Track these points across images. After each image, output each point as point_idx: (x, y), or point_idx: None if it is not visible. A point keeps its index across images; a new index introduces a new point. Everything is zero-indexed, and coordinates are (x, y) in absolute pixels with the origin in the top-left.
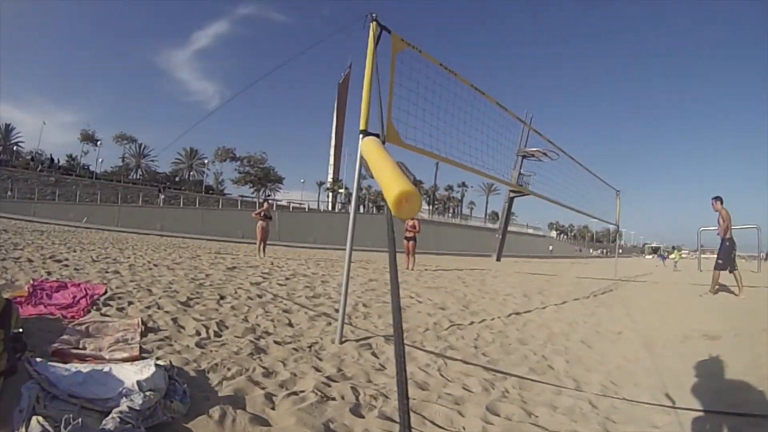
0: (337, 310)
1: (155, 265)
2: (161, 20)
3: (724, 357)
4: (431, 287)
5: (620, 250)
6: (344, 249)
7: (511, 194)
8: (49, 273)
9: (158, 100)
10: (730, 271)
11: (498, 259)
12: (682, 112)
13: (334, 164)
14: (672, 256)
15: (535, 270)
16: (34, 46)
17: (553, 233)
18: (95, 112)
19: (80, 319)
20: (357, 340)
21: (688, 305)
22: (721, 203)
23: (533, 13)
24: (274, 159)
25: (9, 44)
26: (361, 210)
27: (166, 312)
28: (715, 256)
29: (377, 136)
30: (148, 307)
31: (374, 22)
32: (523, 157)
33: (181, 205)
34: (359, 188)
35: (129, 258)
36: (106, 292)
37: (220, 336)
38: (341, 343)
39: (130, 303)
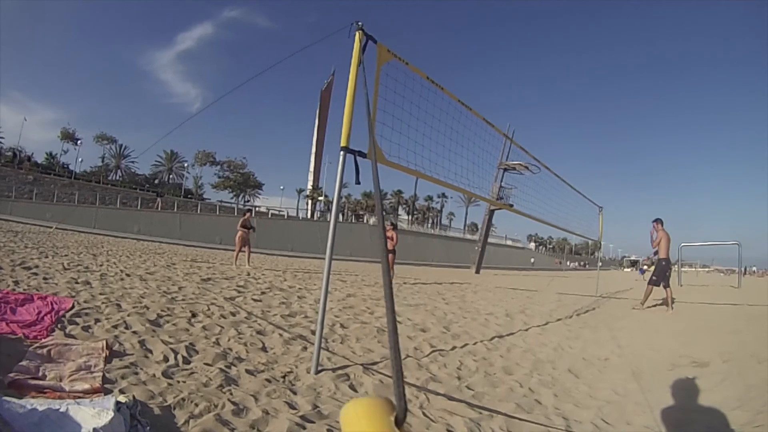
0: (313, 332)
1: (127, 275)
2: (146, 20)
3: (716, 388)
4: (411, 305)
5: (600, 264)
6: (322, 258)
7: (492, 207)
8: (16, 282)
9: (141, 101)
10: (664, 287)
11: (477, 272)
12: (664, 118)
13: (314, 172)
14: (650, 270)
15: (515, 284)
16: (18, 41)
17: (532, 245)
18: (77, 111)
19: (43, 340)
20: (334, 369)
21: (673, 326)
22: (662, 225)
23: (521, 23)
24: (255, 165)
25: None
26: (340, 219)
27: (134, 332)
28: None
29: (361, 153)
30: (116, 326)
31: (360, 31)
32: (505, 170)
33: (159, 208)
34: (339, 206)
35: (102, 266)
36: (73, 306)
37: (189, 362)
38: (317, 373)
39: (97, 320)
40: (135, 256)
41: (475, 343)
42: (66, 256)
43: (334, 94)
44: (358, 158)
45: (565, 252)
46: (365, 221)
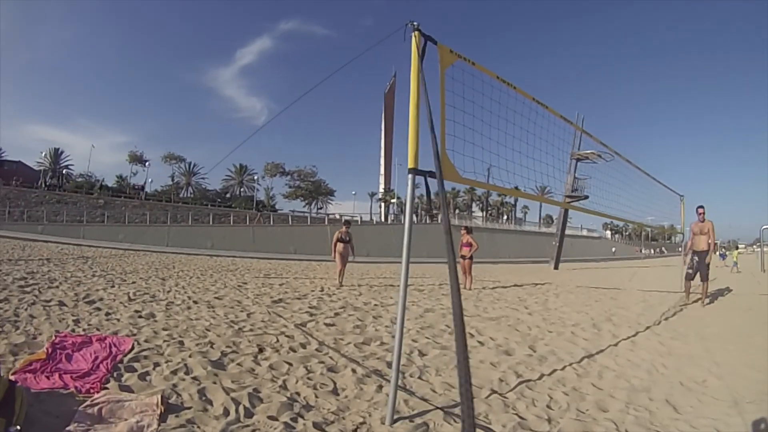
0: (389, 365)
1: (195, 302)
2: (206, 40)
3: None
4: (492, 318)
5: (680, 249)
6: (398, 261)
7: (567, 199)
8: (77, 321)
9: (207, 117)
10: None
11: (556, 267)
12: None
13: (385, 174)
14: (732, 254)
15: (596, 281)
16: (83, 68)
17: (608, 233)
18: (145, 132)
19: (95, 396)
20: (411, 417)
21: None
22: (700, 213)
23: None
24: (324, 171)
25: (57, 68)
26: (414, 220)
27: (194, 379)
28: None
29: (431, 174)
30: (175, 372)
31: (417, 32)
32: (578, 160)
33: (231, 222)
34: (411, 231)
35: (169, 292)
36: (132, 348)
37: (252, 415)
38: (393, 423)
39: (156, 365)
40: (206, 276)
41: (563, 368)
42: (134, 283)
43: (397, 95)
44: (429, 179)
45: (642, 239)
46: (440, 220)
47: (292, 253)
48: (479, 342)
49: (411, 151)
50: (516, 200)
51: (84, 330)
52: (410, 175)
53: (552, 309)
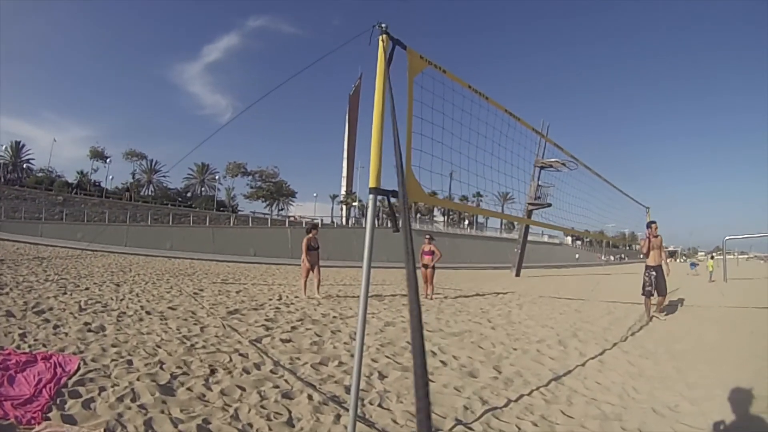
0: (347, 389)
1: (147, 313)
2: (172, 34)
3: None
4: (455, 333)
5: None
6: (359, 267)
7: (530, 207)
8: (23, 336)
9: (171, 114)
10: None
11: (517, 275)
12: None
13: (347, 177)
14: (707, 264)
15: (559, 290)
16: (46, 59)
17: (569, 239)
18: (108, 127)
19: (36, 429)
20: None
21: (736, 345)
22: (650, 228)
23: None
24: (286, 172)
25: (20, 58)
26: (375, 224)
27: (141, 407)
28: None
29: (395, 193)
30: (121, 399)
31: (384, 35)
32: (542, 167)
33: (191, 223)
34: (371, 254)
35: (122, 300)
36: (78, 368)
37: None
38: None
39: (102, 389)
40: (162, 281)
41: (530, 392)
42: (87, 289)
43: (361, 99)
44: (393, 199)
45: (603, 246)
46: (404, 241)
47: (252, 256)
48: (442, 362)
49: (373, 169)
50: (477, 205)
51: (30, 346)
52: (371, 196)
53: (516, 323)
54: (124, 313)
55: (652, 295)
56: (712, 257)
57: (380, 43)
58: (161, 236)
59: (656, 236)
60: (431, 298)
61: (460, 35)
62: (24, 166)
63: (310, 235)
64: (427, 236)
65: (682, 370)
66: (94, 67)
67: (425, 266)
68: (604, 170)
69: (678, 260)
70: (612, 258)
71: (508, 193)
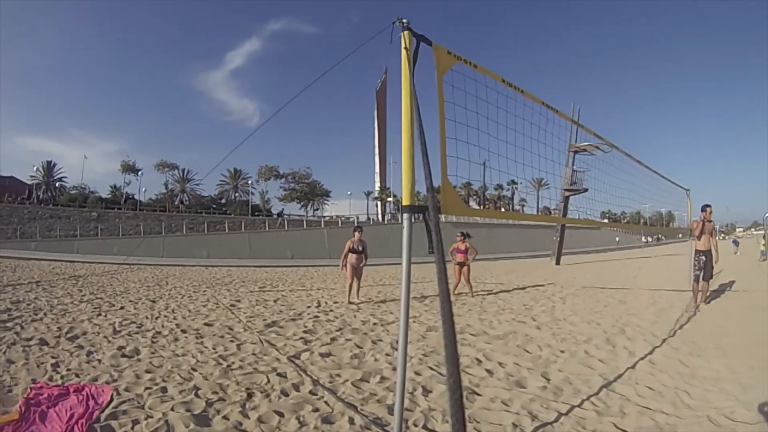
0: (390, 410)
1: (183, 332)
2: (195, 44)
3: None
4: (499, 336)
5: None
6: (396, 263)
7: (566, 193)
8: (56, 365)
9: (199, 121)
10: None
11: (557, 263)
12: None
13: (380, 172)
14: (760, 243)
15: (600, 278)
16: (69, 75)
17: (606, 222)
18: (136, 139)
19: None
20: None
21: None
22: (704, 212)
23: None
24: (319, 172)
25: (43, 75)
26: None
27: None
28: None
29: (425, 209)
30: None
31: (407, 32)
32: (575, 152)
33: (227, 230)
34: (409, 276)
35: (157, 319)
36: (111, 399)
37: None
38: None
39: (134, 423)
40: (199, 293)
41: (581, 403)
42: (122, 308)
43: (388, 95)
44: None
45: (640, 226)
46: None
47: (289, 258)
48: (488, 371)
49: (406, 185)
50: (513, 193)
51: (62, 376)
52: (405, 215)
53: (561, 319)
54: (159, 332)
55: (700, 279)
56: (765, 236)
57: (402, 40)
58: (197, 245)
59: (710, 221)
60: (472, 296)
61: (486, 23)
62: (57, 184)
63: (355, 237)
64: (460, 234)
65: (735, 368)
66: (117, 80)
67: (460, 264)
68: (636, 150)
69: (718, 238)
70: (650, 239)
71: (543, 178)
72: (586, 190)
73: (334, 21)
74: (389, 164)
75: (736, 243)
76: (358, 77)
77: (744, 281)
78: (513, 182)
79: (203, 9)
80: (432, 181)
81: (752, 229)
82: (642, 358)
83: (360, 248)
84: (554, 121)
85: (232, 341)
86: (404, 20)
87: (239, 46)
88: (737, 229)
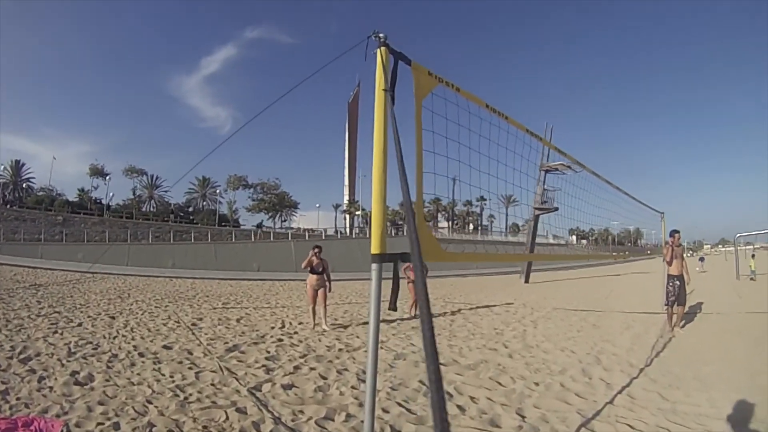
0: None
1: (140, 355)
2: (170, 48)
3: None
4: (470, 366)
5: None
6: (365, 279)
7: (537, 212)
8: (5, 394)
9: (172, 127)
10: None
11: (526, 281)
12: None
13: (349, 185)
14: (749, 264)
15: (571, 299)
16: (45, 73)
17: (573, 239)
18: (108, 141)
19: None
20: None
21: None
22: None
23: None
24: (288, 183)
25: (18, 72)
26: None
27: None
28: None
29: (404, 257)
30: None
31: (383, 48)
32: (546, 171)
33: (193, 239)
34: (377, 333)
35: (115, 338)
36: None
37: None
38: None
39: None
40: (160, 308)
41: None
42: (79, 325)
43: (361, 104)
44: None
45: (608, 243)
46: (405, 233)
47: (256, 271)
48: (459, 407)
49: (375, 231)
50: (481, 210)
51: (11, 406)
52: (375, 265)
53: (533, 346)
54: (116, 355)
55: (674, 304)
56: (753, 256)
57: (378, 57)
58: (163, 254)
59: (679, 245)
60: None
61: (465, 33)
62: (24, 185)
63: (311, 255)
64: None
65: (716, 402)
66: (93, 81)
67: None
68: (605, 167)
69: (685, 255)
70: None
71: (512, 195)
72: (556, 209)
73: (312, 31)
74: (358, 177)
75: (702, 260)
76: (330, 88)
77: (716, 303)
78: (482, 198)
79: (179, 13)
80: (414, 230)
81: (720, 246)
82: (620, 392)
83: (320, 269)
84: (533, 146)
85: (190, 368)
86: (381, 34)
87: (215, 52)
88: (705, 246)
